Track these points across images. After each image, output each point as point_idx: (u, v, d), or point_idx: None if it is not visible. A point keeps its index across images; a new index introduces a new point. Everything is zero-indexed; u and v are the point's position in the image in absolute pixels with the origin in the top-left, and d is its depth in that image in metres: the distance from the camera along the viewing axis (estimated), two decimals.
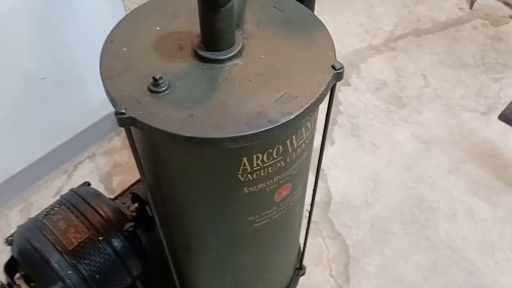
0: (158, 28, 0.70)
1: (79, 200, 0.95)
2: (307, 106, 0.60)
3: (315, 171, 0.90)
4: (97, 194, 0.99)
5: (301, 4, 0.74)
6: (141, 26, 0.71)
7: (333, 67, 0.64)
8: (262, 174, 0.67)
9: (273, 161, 0.66)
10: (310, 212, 1.00)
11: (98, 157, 1.66)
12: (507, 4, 2.21)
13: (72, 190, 0.99)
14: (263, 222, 0.77)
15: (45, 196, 1.56)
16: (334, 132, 1.76)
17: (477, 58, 1.98)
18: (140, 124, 0.59)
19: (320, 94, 0.62)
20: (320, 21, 0.72)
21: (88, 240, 0.91)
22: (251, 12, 0.73)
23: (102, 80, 0.63)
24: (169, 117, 0.59)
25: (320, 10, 2.23)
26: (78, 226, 0.92)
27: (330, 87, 0.65)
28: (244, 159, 0.63)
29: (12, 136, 1.40)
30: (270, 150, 0.64)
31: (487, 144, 1.70)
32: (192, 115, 0.59)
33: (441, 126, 1.76)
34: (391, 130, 1.77)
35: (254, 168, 0.65)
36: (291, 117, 0.59)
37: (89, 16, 1.38)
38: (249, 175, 0.66)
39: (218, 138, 0.57)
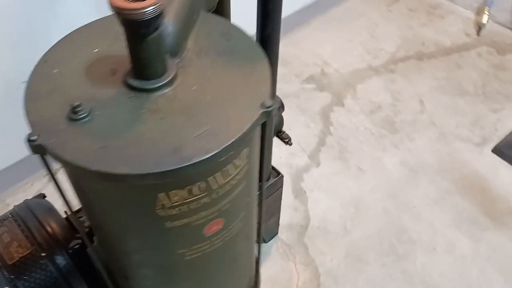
0: (96, 50, 0.68)
1: (27, 213, 0.94)
2: (225, 145, 0.58)
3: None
4: (49, 208, 0.98)
5: (248, 35, 0.72)
6: (79, 47, 0.69)
7: (262, 104, 0.61)
8: (185, 210, 0.64)
9: (195, 198, 0.63)
10: (259, 244, 0.97)
11: None
12: None
13: (25, 202, 0.98)
14: (194, 256, 0.74)
15: (22, 199, 1.56)
16: (321, 154, 1.73)
17: (478, 86, 1.92)
18: (50, 152, 0.57)
19: (244, 133, 0.59)
20: (263, 54, 0.70)
21: (30, 256, 0.90)
22: (194, 39, 0.70)
23: (24, 102, 0.62)
24: (80, 148, 0.57)
25: (322, 27, 2.22)
26: (22, 241, 0.91)
27: (257, 125, 0.62)
28: (160, 195, 0.60)
29: None
30: (190, 187, 0.61)
31: (477, 176, 1.64)
32: (105, 147, 0.57)
33: (432, 154, 1.71)
34: (380, 155, 1.72)
35: (174, 204, 0.63)
36: (206, 157, 0.56)
37: (73, 20, 1.37)
38: (168, 210, 0.63)
39: (126, 174, 0.55)
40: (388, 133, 1.79)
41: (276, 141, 1.30)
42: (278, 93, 1.92)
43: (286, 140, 1.27)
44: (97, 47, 0.69)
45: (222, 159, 0.59)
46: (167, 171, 0.55)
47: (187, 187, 0.61)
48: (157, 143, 0.58)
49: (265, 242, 1.48)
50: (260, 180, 0.79)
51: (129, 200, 0.63)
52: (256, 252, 0.98)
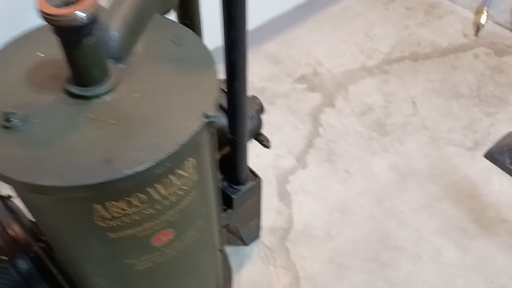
0: (40, 55, 0.67)
1: None
2: (160, 158, 0.55)
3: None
4: (13, 211, 0.96)
5: (200, 40, 0.69)
6: (26, 51, 0.67)
7: (204, 115, 0.59)
8: (127, 221, 0.63)
9: (137, 209, 0.61)
10: (222, 253, 0.95)
11: None
12: None
13: None
14: (146, 266, 0.72)
15: None
16: (309, 156, 1.70)
17: (473, 89, 1.87)
18: None
19: (181, 145, 0.57)
20: (213, 61, 0.67)
21: None
22: (144, 44, 0.68)
23: None
24: (9, 158, 0.55)
25: (317, 26, 2.18)
26: None
27: (199, 136, 0.60)
28: (96, 206, 0.58)
29: None
30: (128, 198, 0.59)
31: (468, 182, 1.60)
32: (36, 157, 0.55)
33: (422, 158, 1.67)
34: (369, 158, 1.69)
35: (114, 215, 0.61)
36: (139, 169, 0.54)
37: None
38: (109, 222, 0.61)
39: (53, 186, 0.53)
40: (378, 135, 1.75)
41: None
42: (268, 92, 1.90)
43: (264, 143, 1.25)
44: (42, 51, 0.67)
45: (159, 171, 0.57)
46: (97, 183, 0.53)
47: (125, 198, 0.59)
48: (90, 154, 0.56)
49: (246, 245, 1.46)
50: (216, 189, 0.77)
51: (65, 211, 0.61)
52: (219, 259, 0.95)
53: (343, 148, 1.72)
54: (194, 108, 0.61)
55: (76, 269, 0.78)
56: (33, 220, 1.00)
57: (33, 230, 0.95)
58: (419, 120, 1.79)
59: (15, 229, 0.92)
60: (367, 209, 1.55)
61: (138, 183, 0.58)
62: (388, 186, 1.61)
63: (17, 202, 1.06)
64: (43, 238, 0.95)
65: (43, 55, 0.67)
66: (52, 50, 0.67)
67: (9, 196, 1.01)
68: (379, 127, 1.78)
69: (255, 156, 1.65)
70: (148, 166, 0.55)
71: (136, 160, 0.55)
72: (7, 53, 0.67)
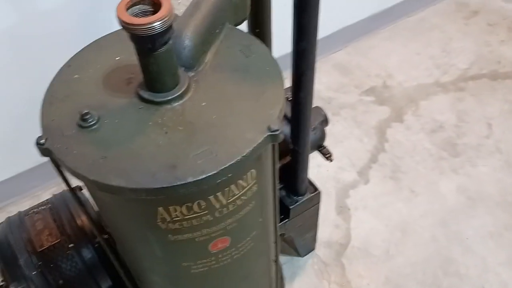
0: (117, 58, 0.70)
1: (62, 204, 0.99)
2: (222, 167, 0.56)
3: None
4: (83, 201, 1.01)
5: (269, 52, 0.69)
6: (103, 54, 0.71)
7: (269, 127, 0.59)
8: (186, 225, 0.64)
9: (196, 215, 0.63)
10: (276, 263, 0.94)
11: None
12: None
13: (61, 192, 1.03)
14: (201, 270, 0.73)
15: (76, 184, 1.64)
16: (372, 171, 1.65)
17: None
18: (55, 157, 0.59)
19: (244, 156, 0.57)
20: (280, 74, 0.67)
21: (59, 245, 0.94)
22: (214, 53, 0.69)
23: (42, 105, 0.64)
24: (82, 156, 0.58)
25: (390, 37, 2.12)
26: (53, 230, 0.95)
27: (263, 148, 0.60)
28: (160, 208, 0.60)
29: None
30: (189, 204, 0.61)
31: None
32: (105, 157, 0.58)
33: (494, 183, 1.57)
34: (437, 178, 1.61)
35: (174, 219, 0.62)
36: (201, 177, 0.55)
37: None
38: (170, 224, 0.63)
39: (119, 187, 0.55)
40: (448, 155, 1.67)
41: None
42: (334, 103, 1.87)
43: (327, 156, 1.23)
44: (120, 54, 0.70)
45: (221, 180, 0.57)
46: (160, 188, 0.55)
47: (185, 204, 0.61)
48: (156, 158, 0.58)
49: (301, 256, 1.44)
50: (275, 200, 0.76)
51: (131, 210, 0.63)
52: (273, 271, 0.95)
53: (409, 166, 1.65)
54: (259, 120, 0.61)
55: (135, 265, 0.80)
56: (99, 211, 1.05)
57: (99, 222, 0.99)
58: (493, 142, 1.69)
59: (82, 219, 0.97)
60: (430, 231, 1.49)
61: (200, 190, 0.59)
62: (455, 209, 1.53)
63: (86, 193, 1.12)
64: (108, 230, 0.99)
65: (119, 58, 0.70)
66: (130, 54, 0.70)
67: (80, 188, 1.07)
68: (449, 146, 1.70)
69: (316, 167, 1.63)
70: (211, 175, 0.56)
71: (198, 168, 0.56)
72: (88, 54, 0.71)
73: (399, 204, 1.56)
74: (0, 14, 1.20)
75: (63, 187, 1.68)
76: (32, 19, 1.27)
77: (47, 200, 1.03)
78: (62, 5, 1.28)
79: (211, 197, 0.62)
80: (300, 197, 1.19)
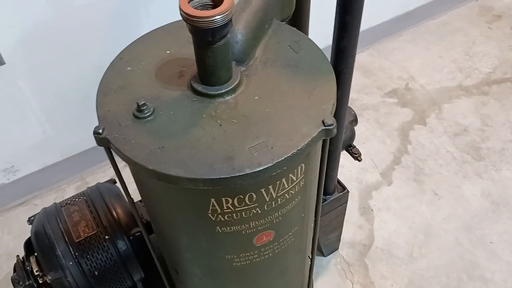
0: (168, 52, 0.71)
1: (97, 196, 1.00)
2: (278, 160, 0.57)
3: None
4: (117, 194, 1.03)
5: (318, 48, 0.70)
6: (153, 48, 0.72)
7: (323, 122, 0.60)
8: (235, 218, 0.64)
9: (246, 207, 0.63)
10: (312, 260, 0.95)
11: None
12: None
13: (97, 185, 1.04)
14: (243, 263, 0.74)
15: (101, 179, 1.66)
16: (395, 172, 1.65)
17: None
18: (113, 147, 0.60)
19: (299, 149, 0.58)
20: (331, 69, 0.67)
21: (95, 236, 0.95)
22: (263, 48, 0.70)
23: (97, 95, 0.65)
24: (139, 145, 0.59)
25: (413, 39, 2.12)
26: (89, 221, 0.96)
27: (316, 143, 0.60)
28: (212, 200, 0.61)
29: (79, 119, 1.51)
30: (241, 196, 0.61)
31: None
32: (162, 147, 0.59)
33: None
34: (460, 182, 1.61)
35: (225, 211, 0.63)
36: (258, 169, 0.56)
37: (164, 20, 1.44)
38: (220, 216, 0.64)
39: (178, 176, 0.56)
40: (472, 159, 1.67)
41: (347, 154, 1.26)
42: (357, 104, 1.87)
43: (356, 155, 1.23)
44: (170, 48, 0.71)
45: (275, 173, 0.58)
46: (218, 178, 0.55)
47: (237, 196, 0.61)
48: (212, 150, 0.58)
49: (324, 255, 1.45)
50: (318, 196, 0.77)
51: (183, 201, 0.64)
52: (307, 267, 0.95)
53: (433, 169, 1.65)
54: (313, 114, 0.61)
55: (176, 256, 0.81)
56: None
57: (133, 215, 1.01)
58: None
59: (117, 212, 0.98)
60: (454, 235, 1.48)
61: (254, 183, 0.59)
62: (479, 214, 1.53)
63: (119, 186, 1.12)
64: (143, 222, 1.00)
65: (169, 52, 0.70)
66: (180, 48, 0.71)
67: (114, 181, 1.08)
68: (473, 150, 1.69)
69: (339, 167, 1.63)
70: (267, 167, 0.56)
71: (255, 160, 0.57)
72: (138, 48, 0.72)
73: (422, 207, 1.56)
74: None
75: (87, 181, 1.69)
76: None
77: (82, 192, 1.04)
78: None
79: (263, 190, 0.62)
80: (328, 196, 1.19)
